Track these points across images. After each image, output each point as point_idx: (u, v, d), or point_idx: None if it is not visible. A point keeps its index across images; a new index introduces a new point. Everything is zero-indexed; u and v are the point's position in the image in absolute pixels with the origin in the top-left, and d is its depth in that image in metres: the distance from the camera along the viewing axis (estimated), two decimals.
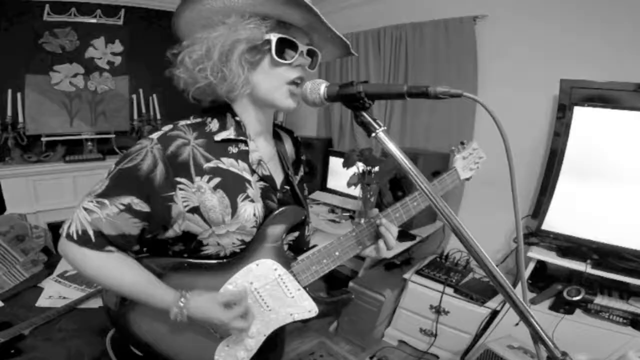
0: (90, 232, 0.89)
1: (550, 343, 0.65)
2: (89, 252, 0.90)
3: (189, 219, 0.95)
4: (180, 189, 0.92)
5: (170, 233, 0.99)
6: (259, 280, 1.03)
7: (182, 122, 0.97)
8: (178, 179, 0.91)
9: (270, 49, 0.93)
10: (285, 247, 1.11)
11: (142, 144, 0.91)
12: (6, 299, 2.25)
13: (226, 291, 1.00)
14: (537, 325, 0.66)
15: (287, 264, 1.06)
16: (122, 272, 0.94)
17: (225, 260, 1.02)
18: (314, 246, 1.18)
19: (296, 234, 1.14)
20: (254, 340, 1.06)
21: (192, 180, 0.93)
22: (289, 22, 0.96)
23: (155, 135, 0.92)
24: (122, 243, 0.93)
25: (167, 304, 0.93)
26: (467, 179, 1.32)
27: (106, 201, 0.89)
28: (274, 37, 0.92)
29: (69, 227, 0.90)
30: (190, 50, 0.94)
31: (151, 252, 1.05)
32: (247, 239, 1.01)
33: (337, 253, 1.09)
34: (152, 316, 1.00)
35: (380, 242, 1.08)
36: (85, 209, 0.89)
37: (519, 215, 0.79)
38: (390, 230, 1.07)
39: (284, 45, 0.94)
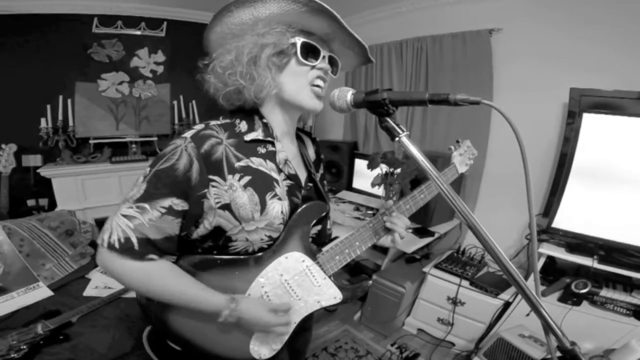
0: (134, 240, 0.86)
1: (560, 333, 0.66)
2: (130, 262, 0.87)
3: (220, 216, 0.95)
4: (213, 186, 0.92)
5: (201, 230, 0.98)
6: (289, 272, 1.05)
7: (213, 122, 0.97)
8: (211, 177, 0.91)
9: (295, 52, 0.95)
10: (310, 239, 1.12)
11: (176, 144, 0.89)
12: (56, 289, 2.30)
13: (275, 302, 1.03)
14: (547, 317, 0.67)
15: (313, 255, 1.09)
16: (167, 282, 0.92)
17: (256, 255, 1.02)
18: (334, 238, 1.23)
19: (319, 227, 1.16)
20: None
21: (224, 179, 0.92)
22: (311, 31, 0.99)
23: (188, 134, 0.91)
24: (168, 246, 0.91)
25: (217, 308, 0.93)
26: (464, 173, 1.39)
27: (146, 205, 0.86)
28: (298, 41, 0.95)
29: (109, 237, 0.86)
30: (221, 59, 0.97)
31: (181, 251, 1.02)
32: (274, 234, 1.01)
33: (357, 243, 1.14)
34: (189, 313, 0.99)
35: (395, 234, 1.14)
36: (125, 216, 0.86)
37: (533, 214, 0.79)
38: (397, 224, 1.12)
39: (308, 50, 0.97)
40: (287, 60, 0.97)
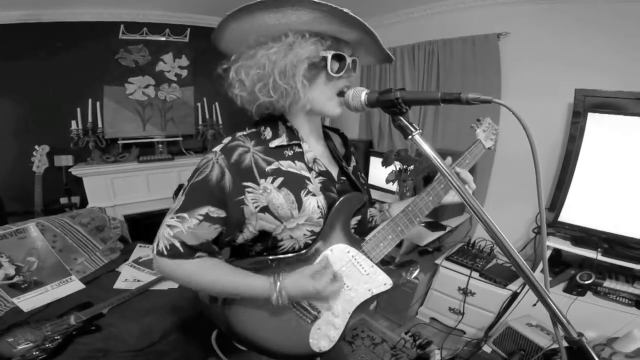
0: (178, 245, 0.92)
1: (567, 324, 0.66)
2: (181, 262, 0.93)
3: (261, 219, 0.99)
4: (249, 192, 0.96)
5: (247, 235, 1.03)
6: (336, 264, 1.06)
7: (240, 134, 1.01)
8: (245, 184, 0.95)
9: (325, 66, 0.94)
10: (352, 231, 1.13)
11: (208, 158, 0.95)
12: (88, 282, 2.40)
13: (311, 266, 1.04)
14: (555, 308, 0.67)
15: (357, 245, 1.10)
16: (217, 273, 0.96)
17: (302, 252, 1.04)
18: (375, 226, 1.25)
19: (359, 217, 1.16)
20: (341, 318, 1.10)
21: (257, 183, 0.96)
22: (342, 38, 0.98)
23: (218, 149, 0.96)
24: (206, 250, 0.97)
25: (266, 290, 0.95)
26: (490, 148, 1.34)
27: (186, 215, 0.92)
28: (329, 54, 0.94)
29: (157, 245, 0.93)
30: (246, 66, 0.95)
31: (235, 256, 1.10)
32: (316, 229, 1.04)
33: (399, 228, 1.13)
34: (250, 313, 1.04)
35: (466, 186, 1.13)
36: (169, 226, 0.93)
37: (543, 207, 0.79)
38: (468, 176, 1.18)
39: (336, 60, 0.96)
40: (316, 73, 0.96)
